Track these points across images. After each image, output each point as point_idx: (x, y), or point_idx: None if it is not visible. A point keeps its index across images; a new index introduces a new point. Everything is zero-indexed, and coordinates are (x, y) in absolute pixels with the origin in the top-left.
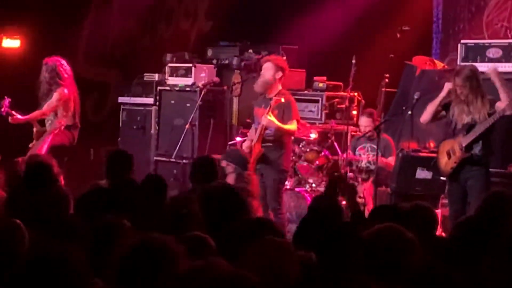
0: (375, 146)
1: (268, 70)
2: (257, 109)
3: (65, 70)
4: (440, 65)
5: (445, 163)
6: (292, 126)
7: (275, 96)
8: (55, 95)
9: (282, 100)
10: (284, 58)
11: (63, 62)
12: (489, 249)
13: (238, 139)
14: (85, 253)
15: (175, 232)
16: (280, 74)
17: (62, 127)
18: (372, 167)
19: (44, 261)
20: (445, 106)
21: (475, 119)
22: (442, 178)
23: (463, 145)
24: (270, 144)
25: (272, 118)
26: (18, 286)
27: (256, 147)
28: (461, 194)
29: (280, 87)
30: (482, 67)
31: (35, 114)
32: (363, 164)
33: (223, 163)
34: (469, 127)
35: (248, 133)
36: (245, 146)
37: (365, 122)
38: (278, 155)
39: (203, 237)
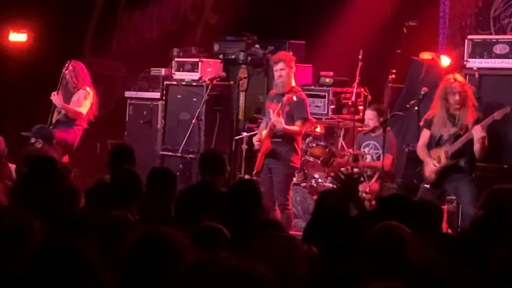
0: (378, 144)
1: (284, 69)
2: (269, 104)
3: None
4: (447, 60)
5: (430, 171)
6: (297, 128)
7: (288, 93)
8: (83, 94)
9: (294, 98)
10: (291, 53)
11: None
12: (497, 244)
13: (245, 133)
14: (96, 246)
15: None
16: (294, 68)
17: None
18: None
19: (57, 253)
20: (426, 122)
21: (462, 128)
22: (425, 185)
23: (450, 153)
24: (280, 139)
25: (280, 119)
26: (31, 277)
27: (266, 142)
28: (433, 198)
29: (293, 83)
30: (489, 63)
31: (73, 110)
32: (368, 160)
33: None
34: (456, 136)
35: (255, 128)
36: (255, 140)
37: (369, 115)
38: (286, 150)
39: (218, 228)
